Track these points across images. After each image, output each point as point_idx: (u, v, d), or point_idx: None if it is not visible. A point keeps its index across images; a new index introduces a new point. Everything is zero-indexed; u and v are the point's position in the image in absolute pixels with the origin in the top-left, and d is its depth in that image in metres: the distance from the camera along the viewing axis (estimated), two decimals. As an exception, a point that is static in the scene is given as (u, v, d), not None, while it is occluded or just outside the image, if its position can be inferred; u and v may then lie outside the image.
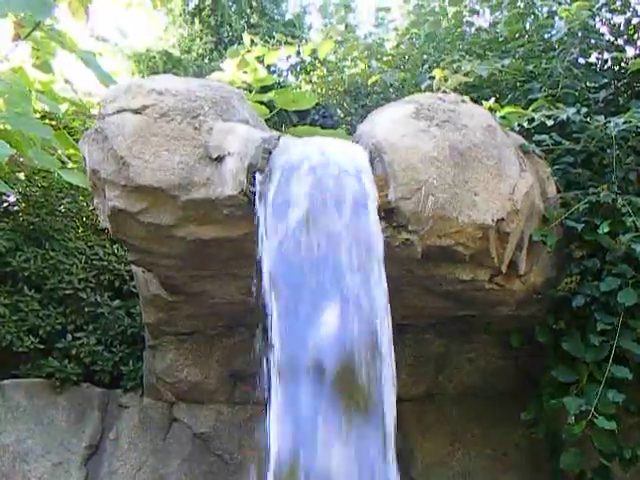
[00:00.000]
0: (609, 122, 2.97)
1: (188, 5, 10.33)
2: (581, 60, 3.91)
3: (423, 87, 3.76)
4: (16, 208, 3.91)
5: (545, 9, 4.12)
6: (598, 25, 3.94)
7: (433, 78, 3.63)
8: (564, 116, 3.01)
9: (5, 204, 3.90)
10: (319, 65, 5.78)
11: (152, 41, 10.00)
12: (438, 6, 4.56)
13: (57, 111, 3.93)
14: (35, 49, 3.74)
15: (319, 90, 5.36)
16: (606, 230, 2.79)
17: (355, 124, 3.90)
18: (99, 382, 3.59)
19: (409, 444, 3.40)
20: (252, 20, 10.26)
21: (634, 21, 3.85)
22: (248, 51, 4.32)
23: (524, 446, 3.44)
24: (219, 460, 3.41)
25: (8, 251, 3.61)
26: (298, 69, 6.88)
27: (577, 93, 3.52)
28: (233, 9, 10.33)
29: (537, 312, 3.02)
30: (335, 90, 5.27)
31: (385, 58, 4.80)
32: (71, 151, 3.58)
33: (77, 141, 3.00)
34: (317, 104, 4.73)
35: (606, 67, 3.92)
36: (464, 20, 4.46)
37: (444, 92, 3.27)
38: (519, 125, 3.10)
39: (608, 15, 3.91)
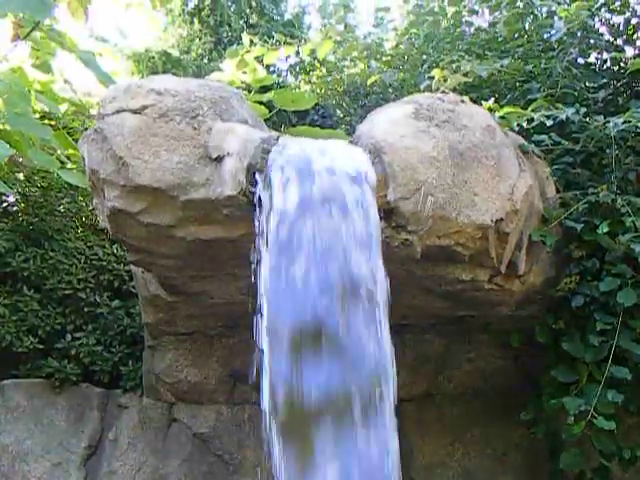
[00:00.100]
0: (608, 122, 2.97)
1: (187, 5, 10.34)
2: (580, 60, 3.91)
3: (422, 87, 3.76)
4: (15, 208, 3.91)
5: (544, 9, 4.11)
6: (597, 25, 3.94)
7: (432, 78, 3.63)
8: (563, 116, 3.00)
9: (4, 204, 3.91)
10: (318, 65, 5.78)
11: (151, 41, 10.01)
12: (437, 6, 4.56)
13: (56, 111, 3.93)
14: (34, 49, 3.74)
15: (318, 90, 5.36)
16: (605, 230, 2.79)
17: (354, 124, 3.90)
18: (98, 382, 3.59)
19: (409, 444, 3.40)
20: (251, 20, 10.27)
21: (633, 21, 3.84)
22: (247, 51, 4.32)
23: (524, 446, 3.45)
24: (219, 460, 3.41)
25: (7, 251, 3.61)
26: (297, 69, 6.88)
27: (576, 93, 3.52)
28: (232, 9, 10.33)
29: (537, 312, 3.03)
30: (334, 90, 5.27)
31: (384, 58, 4.80)
32: (70, 151, 3.58)
33: (76, 141, 3.00)
34: (316, 104, 4.74)
35: (605, 67, 3.92)
36: (463, 20, 4.46)
37: (443, 92, 3.27)
38: (518, 125, 3.10)
39: (607, 15, 3.91)
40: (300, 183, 2.15)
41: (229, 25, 10.11)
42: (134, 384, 3.56)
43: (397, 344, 2.16)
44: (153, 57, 9.17)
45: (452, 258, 2.55)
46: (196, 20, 10.27)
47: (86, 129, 3.20)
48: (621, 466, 2.95)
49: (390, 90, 4.65)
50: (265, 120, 3.11)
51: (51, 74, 3.97)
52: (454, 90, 3.44)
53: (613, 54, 3.79)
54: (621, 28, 3.89)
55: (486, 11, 4.40)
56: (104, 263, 3.78)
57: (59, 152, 3.56)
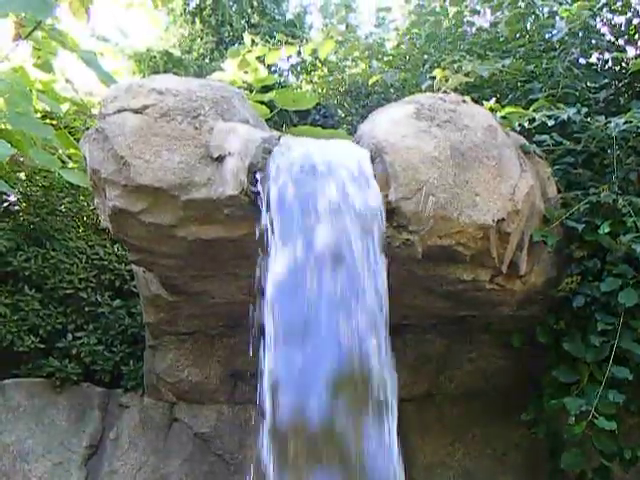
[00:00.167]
0: (610, 122, 2.97)
1: (189, 5, 10.34)
2: (582, 60, 3.91)
3: (424, 87, 3.76)
4: (17, 208, 3.91)
5: (546, 9, 4.11)
6: (599, 25, 3.94)
7: (434, 78, 3.63)
8: (565, 116, 3.00)
9: (6, 204, 3.91)
10: (320, 65, 5.78)
11: (153, 41, 10.00)
12: (439, 6, 4.55)
13: (58, 111, 3.93)
14: (36, 49, 3.74)
15: (320, 90, 5.37)
16: (607, 230, 2.79)
17: (356, 124, 3.90)
18: (99, 382, 3.59)
19: (409, 444, 3.40)
20: (253, 20, 10.27)
21: (635, 21, 3.85)
22: (249, 51, 4.32)
23: (524, 446, 3.45)
24: (220, 460, 3.41)
25: (9, 251, 3.61)
26: (299, 69, 6.87)
27: (578, 93, 3.52)
28: (234, 9, 10.33)
29: (538, 312, 3.02)
30: (336, 90, 5.27)
31: (386, 58, 4.80)
32: (72, 151, 3.58)
33: (78, 141, 3.01)
34: (318, 104, 4.73)
35: (607, 67, 3.92)
36: (465, 20, 4.46)
37: (445, 92, 3.27)
38: (520, 125, 3.10)
39: (609, 15, 3.91)
40: (301, 184, 2.16)
41: (231, 25, 10.11)
42: (135, 384, 3.56)
43: (398, 344, 2.16)
44: (154, 57, 9.17)
45: (453, 258, 2.55)
46: (197, 20, 10.27)
47: (87, 129, 3.20)
48: (622, 466, 2.95)
49: (392, 90, 4.65)
50: (266, 120, 3.12)
51: (52, 74, 3.98)
52: (455, 90, 3.44)
53: (615, 54, 3.79)
54: (623, 28, 3.90)
55: (488, 11, 4.40)
56: (105, 262, 3.78)
57: (60, 152, 3.56)
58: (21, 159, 3.58)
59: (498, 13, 4.28)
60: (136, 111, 2.42)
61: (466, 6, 4.44)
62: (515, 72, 3.72)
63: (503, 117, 3.06)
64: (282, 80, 6.43)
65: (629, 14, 3.84)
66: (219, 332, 3.33)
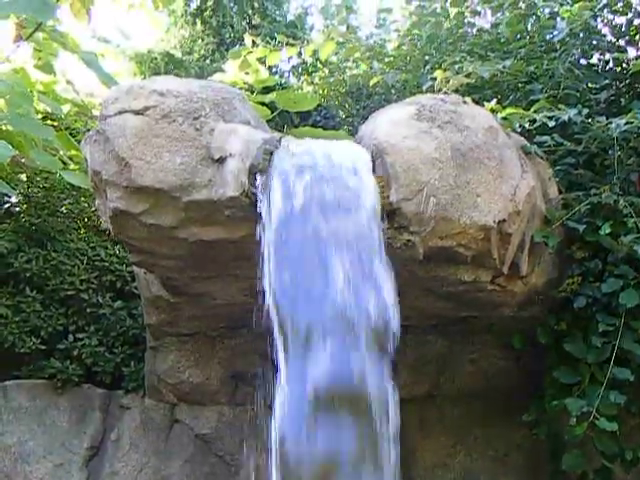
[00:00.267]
0: (611, 123, 2.97)
1: (190, 6, 10.35)
2: (583, 61, 3.91)
3: (425, 88, 3.75)
4: (18, 209, 3.92)
5: (547, 10, 4.11)
6: (600, 26, 3.94)
7: (435, 79, 3.62)
8: (566, 117, 3.00)
9: (7, 205, 3.91)
10: (321, 66, 5.78)
11: (154, 42, 10.02)
12: (440, 7, 4.55)
13: (59, 112, 3.94)
14: (37, 50, 3.75)
15: (321, 91, 5.36)
16: (608, 231, 2.78)
17: (357, 125, 3.89)
18: (100, 383, 3.59)
19: (410, 445, 3.40)
20: (254, 21, 10.28)
21: (636, 22, 3.84)
22: (250, 52, 4.33)
23: (525, 447, 3.44)
24: (221, 461, 3.40)
25: (10, 252, 3.62)
26: (300, 70, 6.88)
27: (579, 94, 3.51)
28: (235, 10, 10.35)
29: (539, 313, 3.02)
30: (337, 91, 5.27)
31: (387, 59, 4.79)
32: (73, 152, 3.59)
33: (79, 142, 3.01)
34: (319, 105, 4.73)
35: (608, 68, 3.92)
36: (465, 21, 4.46)
37: (446, 93, 3.27)
38: (521, 126, 3.10)
39: (610, 16, 3.91)
40: (302, 184, 2.16)
41: (231, 26, 10.13)
42: (136, 385, 3.56)
43: (399, 345, 2.16)
44: (155, 58, 9.19)
45: (454, 259, 2.54)
46: (198, 21, 10.28)
47: (88, 130, 3.20)
48: (623, 467, 2.94)
49: (392, 91, 4.65)
50: (267, 121, 3.12)
51: (53, 75, 3.99)
52: (456, 91, 3.44)
53: (615, 55, 3.79)
54: (623, 29, 3.89)
55: (488, 12, 4.40)
56: (106, 264, 3.78)
57: (61, 153, 3.57)
58: (22, 160, 3.58)
59: (499, 14, 4.28)
60: (137, 112, 2.42)
61: (467, 7, 4.44)
62: (516, 73, 3.72)
63: (504, 118, 3.06)
64: (283, 81, 6.42)
65: (630, 15, 3.84)
66: (220, 333, 3.33)
